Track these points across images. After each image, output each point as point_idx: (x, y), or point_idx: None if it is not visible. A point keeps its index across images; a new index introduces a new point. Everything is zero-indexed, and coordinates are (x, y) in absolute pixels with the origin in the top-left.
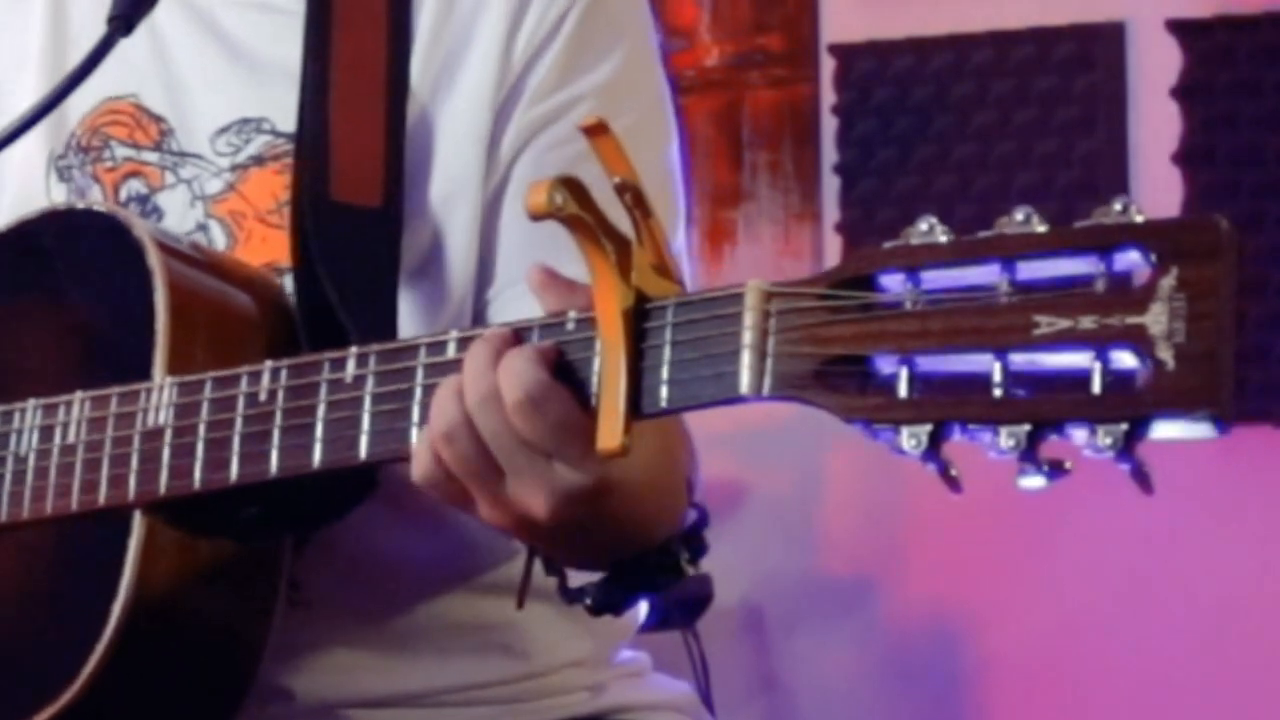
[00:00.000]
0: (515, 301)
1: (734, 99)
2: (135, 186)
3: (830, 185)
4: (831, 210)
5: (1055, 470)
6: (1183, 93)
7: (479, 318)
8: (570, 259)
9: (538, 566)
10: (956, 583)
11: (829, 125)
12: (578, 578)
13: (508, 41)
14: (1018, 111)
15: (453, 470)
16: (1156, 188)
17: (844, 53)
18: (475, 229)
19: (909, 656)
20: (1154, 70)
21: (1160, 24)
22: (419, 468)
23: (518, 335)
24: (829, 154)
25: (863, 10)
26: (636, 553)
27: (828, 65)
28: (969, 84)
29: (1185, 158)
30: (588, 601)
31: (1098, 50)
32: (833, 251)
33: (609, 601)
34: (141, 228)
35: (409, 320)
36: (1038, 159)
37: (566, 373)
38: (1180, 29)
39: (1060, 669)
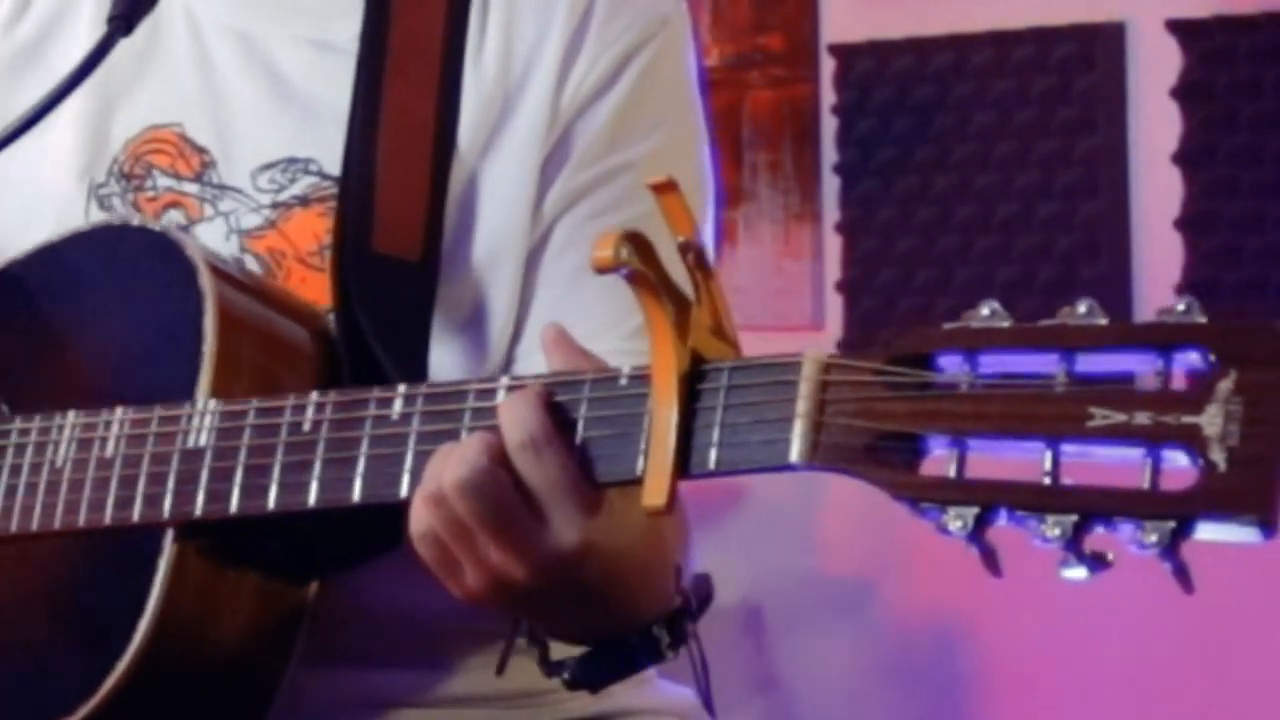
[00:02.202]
0: (539, 366)
1: (734, 99)
2: (174, 217)
3: (830, 185)
4: (831, 210)
5: (1098, 562)
6: (1183, 93)
7: (506, 370)
8: (600, 330)
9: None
10: (956, 583)
11: (829, 125)
12: (558, 651)
13: (556, 92)
14: (1018, 111)
15: (440, 532)
16: (1156, 188)
17: (844, 53)
18: (517, 287)
19: (909, 656)
20: (1154, 70)
21: (1160, 24)
22: (415, 525)
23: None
24: (829, 154)
25: (863, 10)
26: (618, 633)
27: (828, 65)
28: (969, 84)
29: (1185, 158)
30: (566, 676)
31: (1098, 50)
32: (833, 251)
33: (587, 678)
34: (194, 249)
35: (447, 374)
36: (1038, 159)
37: (563, 423)
38: (1180, 29)
39: (1060, 669)
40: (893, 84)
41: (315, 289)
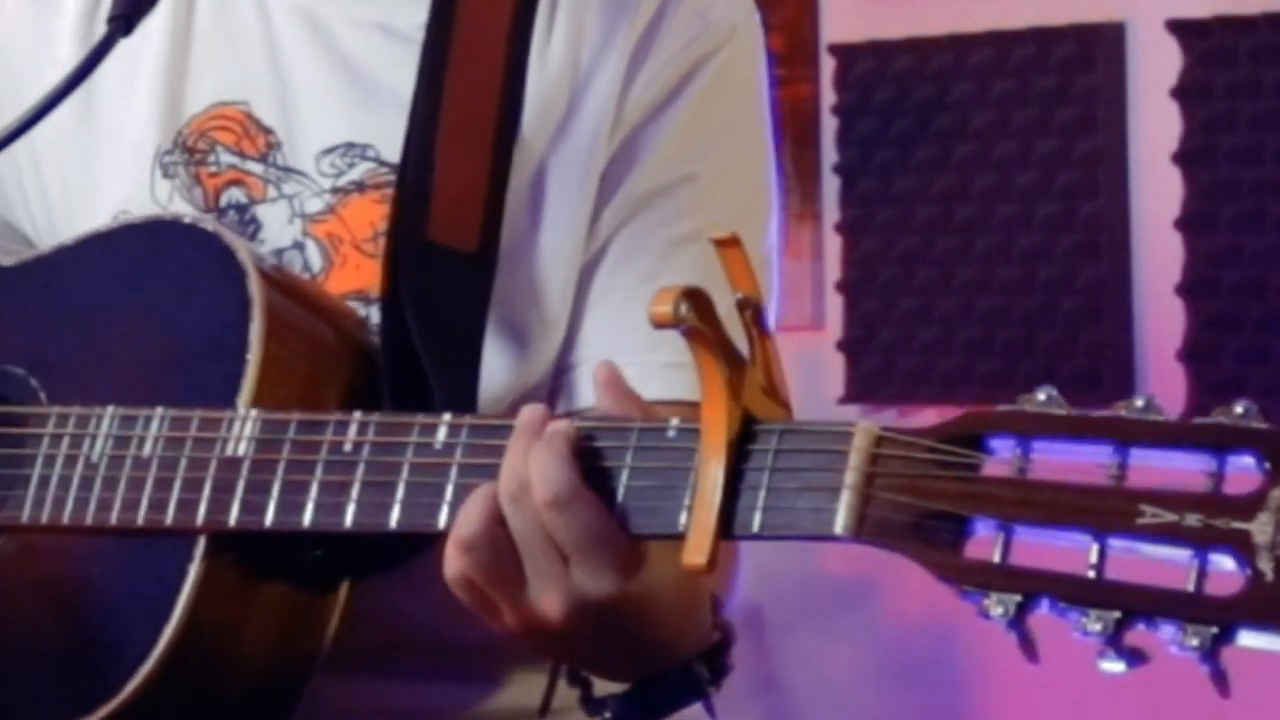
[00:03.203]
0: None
1: None
2: (236, 195)
3: (830, 185)
4: (831, 210)
5: (1136, 658)
6: (1183, 93)
7: (558, 379)
8: (658, 342)
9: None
10: None
11: (829, 125)
12: (599, 690)
13: (622, 95)
14: (1018, 111)
15: (473, 576)
16: (1156, 188)
17: (844, 53)
18: (572, 287)
19: (909, 656)
20: (1154, 70)
21: (1160, 24)
22: (448, 570)
23: (549, 419)
24: (829, 154)
25: (863, 10)
26: (658, 671)
27: (828, 65)
28: (969, 84)
29: (1185, 158)
30: (608, 715)
31: (1098, 50)
32: (833, 251)
33: (629, 717)
34: (245, 252)
35: (499, 372)
36: (1038, 159)
37: (595, 476)
38: (1180, 29)
39: (1060, 669)
40: (893, 84)
41: (369, 276)
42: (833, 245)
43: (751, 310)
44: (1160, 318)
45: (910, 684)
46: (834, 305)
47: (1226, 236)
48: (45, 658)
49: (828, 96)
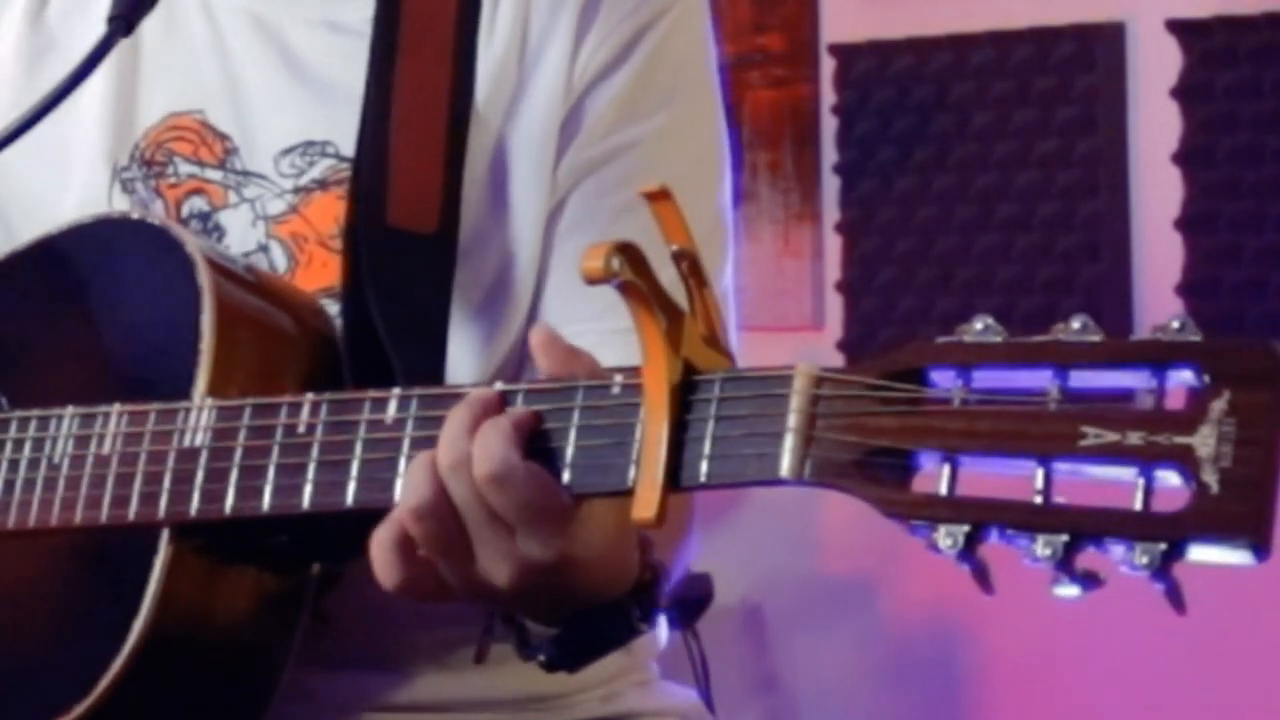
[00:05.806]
0: None
1: (734, 99)
2: (198, 204)
3: (830, 185)
4: (831, 210)
5: (1089, 581)
6: (1183, 93)
7: (522, 351)
8: (603, 311)
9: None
10: (956, 583)
11: (829, 125)
12: (535, 635)
13: (569, 67)
14: (1018, 111)
15: (421, 548)
16: (1156, 188)
17: (844, 53)
18: (537, 262)
19: (909, 656)
20: (1154, 70)
21: (1160, 24)
22: (388, 533)
23: (502, 399)
24: (829, 154)
25: (863, 10)
26: (590, 610)
27: (828, 65)
28: (969, 84)
29: (1185, 158)
30: (542, 658)
31: (1098, 50)
32: (833, 251)
33: (563, 659)
34: (194, 244)
35: (467, 351)
36: (1038, 159)
37: (541, 450)
38: (1180, 29)
39: (1060, 669)
40: (893, 84)
41: (335, 272)
42: (833, 245)
43: (688, 262)
44: (1161, 318)
45: (910, 684)
46: (834, 305)
47: (1226, 236)
48: (19, 660)
49: (828, 96)
